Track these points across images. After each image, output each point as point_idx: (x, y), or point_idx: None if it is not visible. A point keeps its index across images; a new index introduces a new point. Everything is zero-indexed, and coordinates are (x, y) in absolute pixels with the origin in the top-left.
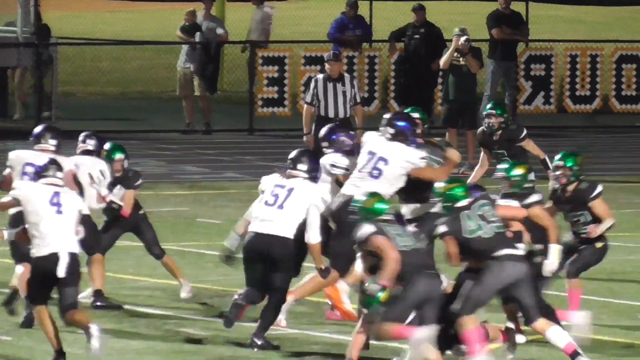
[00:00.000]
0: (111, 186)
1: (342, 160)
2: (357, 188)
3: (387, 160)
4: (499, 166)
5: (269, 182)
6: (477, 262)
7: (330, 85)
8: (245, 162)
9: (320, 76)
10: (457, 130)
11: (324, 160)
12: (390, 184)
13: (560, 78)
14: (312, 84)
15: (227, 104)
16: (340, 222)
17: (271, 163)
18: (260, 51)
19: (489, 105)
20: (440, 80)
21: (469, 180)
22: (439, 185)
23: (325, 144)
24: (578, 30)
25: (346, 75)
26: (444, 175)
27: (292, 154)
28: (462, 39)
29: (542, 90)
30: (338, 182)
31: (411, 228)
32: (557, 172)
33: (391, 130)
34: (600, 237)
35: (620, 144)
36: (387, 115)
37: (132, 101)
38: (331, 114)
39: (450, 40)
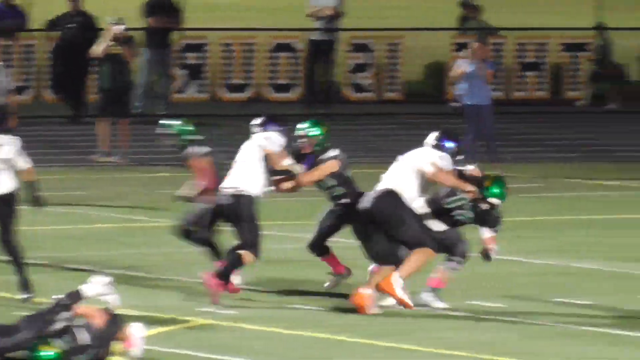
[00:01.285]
0: None
1: (278, 138)
2: (385, 178)
3: (409, 153)
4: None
5: None
6: None
7: None
8: None
9: None
10: (112, 119)
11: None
12: (408, 171)
13: (214, 67)
14: None
15: None
16: (377, 214)
17: None
18: None
19: None
20: (95, 68)
21: None
22: None
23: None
24: (234, 19)
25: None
26: (455, 183)
27: None
28: (118, 27)
29: (196, 79)
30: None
31: None
32: (301, 140)
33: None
34: None
35: None
36: (435, 134)
37: None
38: None
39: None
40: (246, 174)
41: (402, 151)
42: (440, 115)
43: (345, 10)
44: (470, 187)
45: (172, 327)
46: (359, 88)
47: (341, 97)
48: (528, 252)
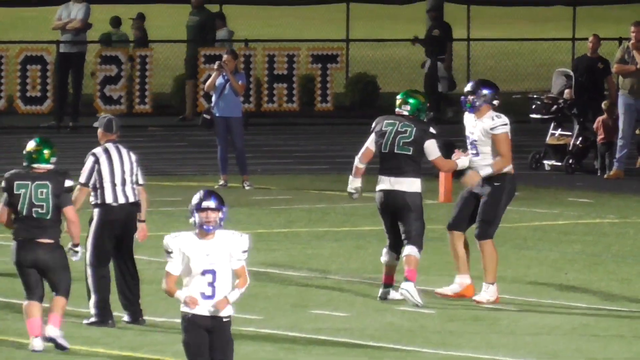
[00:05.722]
0: None
1: None
2: None
3: None
4: None
5: None
6: None
7: None
8: None
9: None
10: None
11: None
12: None
13: None
14: None
15: None
16: None
17: None
18: None
19: None
20: None
21: None
22: None
23: None
24: None
25: None
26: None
27: None
28: None
29: None
30: None
31: None
32: None
33: None
34: None
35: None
36: None
37: None
38: None
39: None
40: None
41: (150, 163)
42: (190, 127)
43: (93, 22)
44: None
45: None
46: (109, 100)
47: (92, 109)
48: (280, 264)
